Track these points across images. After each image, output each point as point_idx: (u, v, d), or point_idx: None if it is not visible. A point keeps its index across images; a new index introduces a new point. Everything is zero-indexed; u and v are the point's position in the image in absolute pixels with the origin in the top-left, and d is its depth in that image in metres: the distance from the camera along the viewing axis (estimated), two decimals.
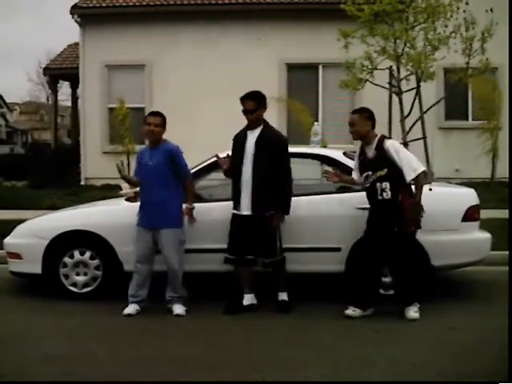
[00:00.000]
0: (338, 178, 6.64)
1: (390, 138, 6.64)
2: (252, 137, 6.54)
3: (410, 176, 6.19)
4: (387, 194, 6.24)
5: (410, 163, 6.24)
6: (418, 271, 6.48)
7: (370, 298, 6.46)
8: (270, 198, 6.43)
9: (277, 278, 6.72)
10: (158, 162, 6.50)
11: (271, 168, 6.42)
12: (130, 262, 6.72)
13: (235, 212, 6.58)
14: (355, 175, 6.60)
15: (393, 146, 6.28)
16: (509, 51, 9.42)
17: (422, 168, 6.25)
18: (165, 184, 6.49)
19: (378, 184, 6.27)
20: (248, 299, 6.68)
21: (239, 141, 6.63)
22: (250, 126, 6.61)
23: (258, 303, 6.68)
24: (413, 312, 6.29)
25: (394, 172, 6.21)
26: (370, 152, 6.34)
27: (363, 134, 6.38)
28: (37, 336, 5.98)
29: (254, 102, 6.53)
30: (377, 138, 6.35)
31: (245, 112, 6.57)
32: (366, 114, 6.42)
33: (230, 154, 6.71)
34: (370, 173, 6.30)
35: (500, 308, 6.40)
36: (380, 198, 6.27)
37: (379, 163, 6.26)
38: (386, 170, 6.22)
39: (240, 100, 6.60)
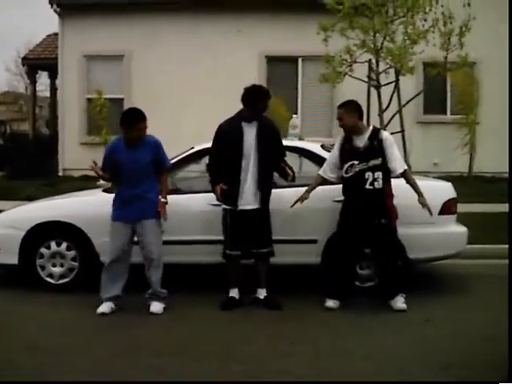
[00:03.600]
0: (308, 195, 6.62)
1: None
2: (250, 129, 6.41)
3: (401, 168, 6.35)
4: (379, 184, 6.30)
5: (400, 158, 6.47)
6: (401, 262, 6.58)
7: (347, 290, 6.50)
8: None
9: (260, 272, 6.59)
10: (144, 156, 6.34)
11: (272, 160, 6.45)
12: (106, 253, 6.57)
13: (234, 208, 6.42)
14: (327, 168, 6.58)
15: (388, 137, 6.42)
16: (509, 47, 9.45)
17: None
18: (148, 177, 6.38)
19: (368, 173, 6.28)
20: (234, 293, 6.58)
21: (234, 133, 6.40)
22: (247, 119, 6.44)
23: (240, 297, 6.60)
24: (400, 303, 6.34)
25: (385, 162, 6.31)
26: (361, 142, 6.36)
27: (350, 126, 6.41)
28: (19, 327, 5.98)
29: (250, 109, 6.42)
30: (370, 129, 6.46)
31: (261, 110, 6.45)
32: (351, 107, 6.49)
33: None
34: (357, 162, 6.31)
35: (474, 301, 6.54)
36: (370, 187, 6.28)
37: (373, 152, 6.32)
38: (380, 159, 6.30)
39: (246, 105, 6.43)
